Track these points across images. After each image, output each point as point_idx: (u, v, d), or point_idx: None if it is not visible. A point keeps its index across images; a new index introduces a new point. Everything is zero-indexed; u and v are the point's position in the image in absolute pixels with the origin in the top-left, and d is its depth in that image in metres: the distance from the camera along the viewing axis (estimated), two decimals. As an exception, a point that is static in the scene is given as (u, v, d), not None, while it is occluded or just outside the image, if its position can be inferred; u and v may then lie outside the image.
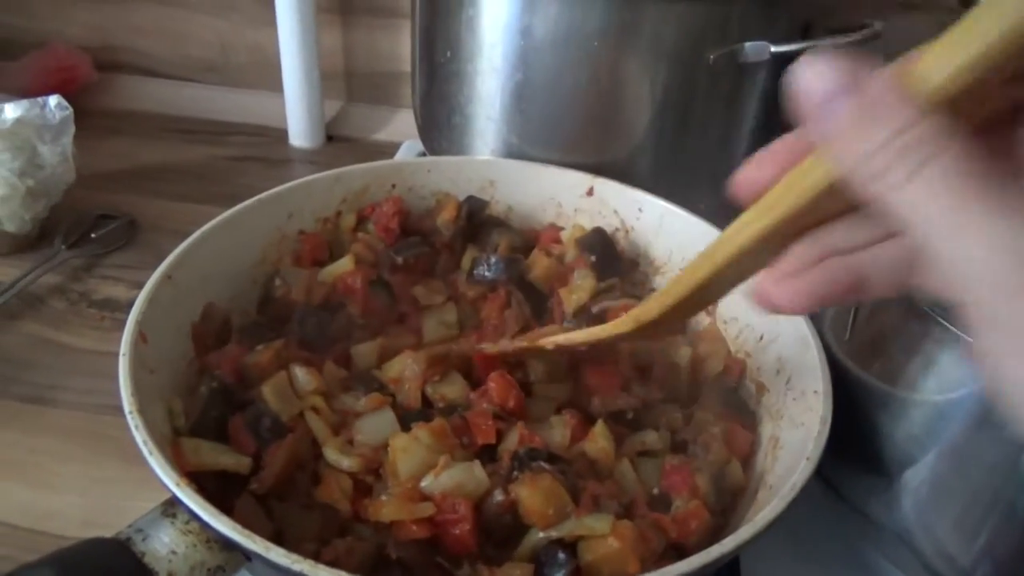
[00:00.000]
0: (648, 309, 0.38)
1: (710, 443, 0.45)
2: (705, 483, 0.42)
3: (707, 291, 0.33)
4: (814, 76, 0.24)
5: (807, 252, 0.28)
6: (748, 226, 0.28)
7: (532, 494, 0.38)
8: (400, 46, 0.95)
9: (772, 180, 0.28)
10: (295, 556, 0.31)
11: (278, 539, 0.36)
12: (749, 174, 0.29)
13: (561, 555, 0.37)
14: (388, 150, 0.93)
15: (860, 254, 0.27)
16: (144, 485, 0.47)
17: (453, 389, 0.46)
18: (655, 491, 0.43)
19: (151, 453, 0.35)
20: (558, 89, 0.63)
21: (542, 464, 0.39)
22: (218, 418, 0.42)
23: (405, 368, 0.47)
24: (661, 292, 0.37)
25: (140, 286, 0.46)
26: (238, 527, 0.32)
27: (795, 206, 0.27)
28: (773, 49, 0.60)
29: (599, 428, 0.44)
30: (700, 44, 0.60)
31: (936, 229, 0.22)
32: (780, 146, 0.29)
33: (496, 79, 0.64)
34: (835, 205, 0.26)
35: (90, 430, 0.57)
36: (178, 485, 0.34)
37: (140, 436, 0.36)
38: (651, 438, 0.46)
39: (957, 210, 0.22)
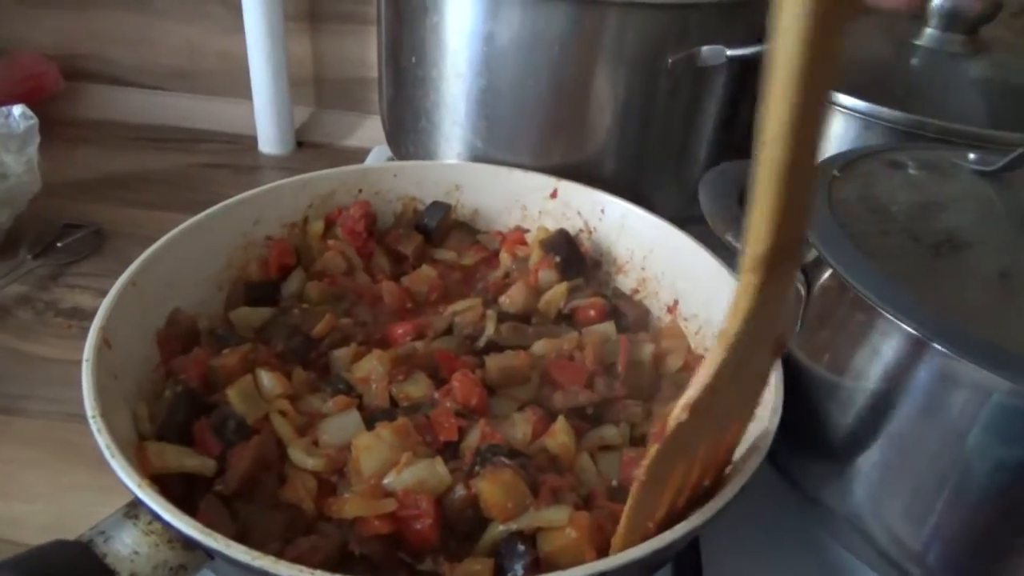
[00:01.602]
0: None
1: None
2: None
3: None
4: None
5: None
6: None
7: (492, 488, 0.39)
8: (369, 53, 0.96)
9: None
10: (255, 552, 0.32)
11: (243, 539, 0.36)
12: None
13: (520, 547, 0.38)
14: (358, 156, 0.94)
15: None
16: (111, 492, 0.47)
17: (417, 388, 0.47)
18: (614, 483, 0.44)
19: (113, 456, 0.35)
20: (521, 94, 0.64)
21: (502, 459, 0.40)
22: (183, 422, 0.43)
23: (371, 369, 0.47)
24: None
25: (107, 294, 0.46)
26: (199, 526, 0.32)
27: None
28: (729, 53, 0.61)
29: (560, 424, 0.45)
30: (659, 49, 0.61)
31: None
32: None
33: (461, 84, 0.66)
34: None
35: (57, 438, 0.57)
36: (139, 486, 0.34)
37: (102, 440, 0.36)
38: (611, 433, 0.47)
39: None
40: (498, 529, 0.39)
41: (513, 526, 0.39)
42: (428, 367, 0.49)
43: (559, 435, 0.45)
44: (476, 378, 0.47)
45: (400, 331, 0.53)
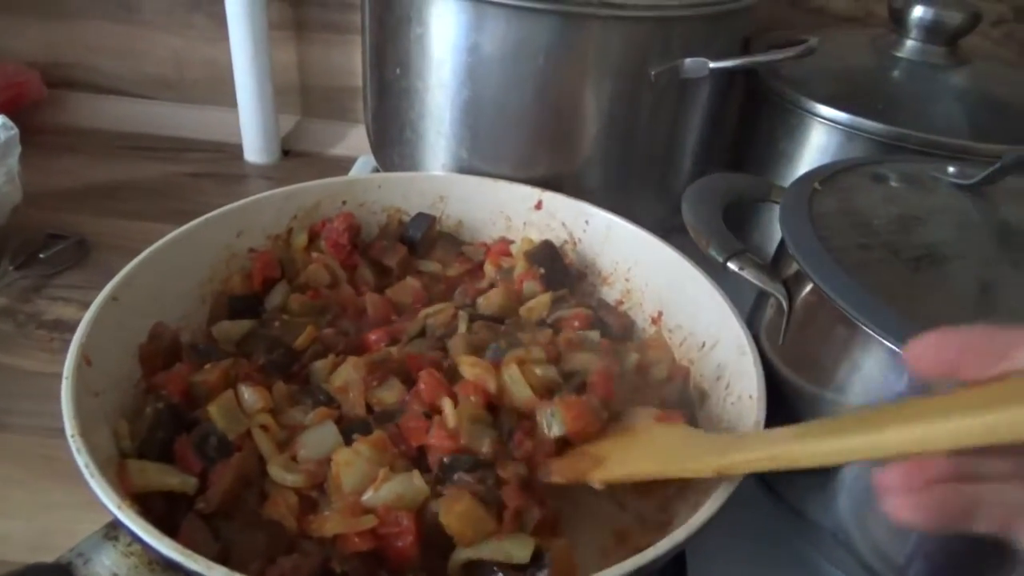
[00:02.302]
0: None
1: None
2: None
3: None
4: None
5: (936, 468, 0.28)
6: (924, 426, 0.27)
7: (449, 517, 0.38)
8: (354, 61, 0.96)
9: (952, 363, 0.28)
10: (236, 574, 0.32)
11: (225, 558, 0.37)
12: (931, 349, 0.29)
13: (496, 571, 0.38)
14: (344, 165, 0.94)
15: (982, 486, 0.27)
16: (93, 509, 0.46)
17: (391, 394, 0.47)
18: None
19: (92, 476, 0.35)
20: (506, 105, 0.64)
21: (463, 475, 0.40)
22: (164, 439, 0.42)
23: (347, 377, 0.47)
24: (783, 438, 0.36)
25: (87, 311, 0.46)
26: (179, 547, 0.32)
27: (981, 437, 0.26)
28: (712, 65, 0.62)
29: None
30: (642, 60, 0.62)
31: None
32: (971, 338, 0.28)
33: (445, 95, 0.66)
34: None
35: (38, 453, 0.56)
36: (119, 507, 0.34)
37: (82, 459, 0.36)
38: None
39: None
40: (461, 555, 0.39)
41: (472, 555, 0.38)
42: (402, 372, 0.49)
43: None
44: (440, 376, 0.47)
45: (374, 337, 0.53)
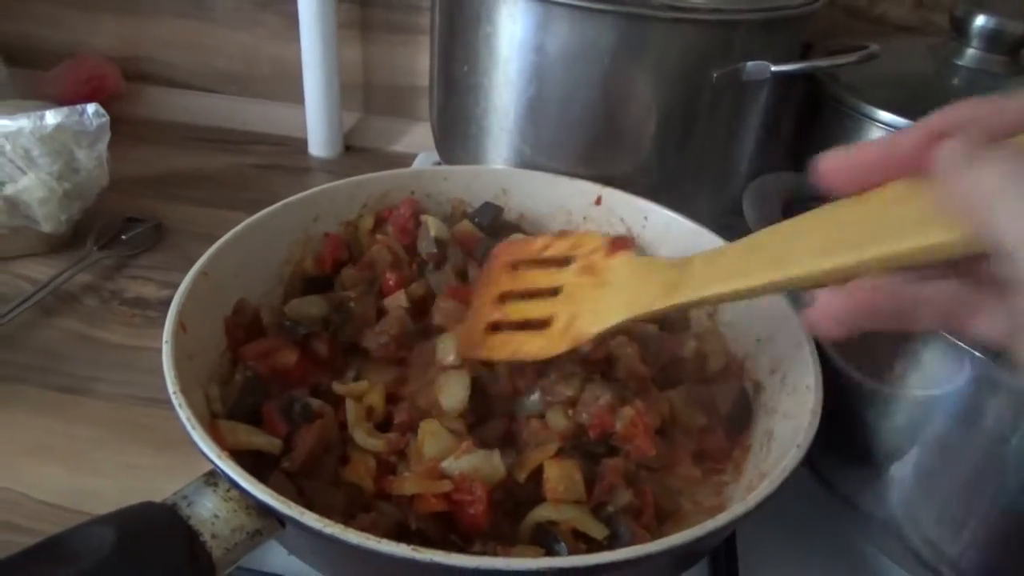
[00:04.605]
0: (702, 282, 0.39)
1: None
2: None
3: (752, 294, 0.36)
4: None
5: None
6: (833, 255, 0.28)
7: (557, 467, 0.42)
8: (417, 61, 0.99)
9: (864, 175, 0.27)
10: (326, 520, 0.34)
11: (307, 513, 0.39)
12: (841, 162, 0.28)
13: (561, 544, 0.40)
14: (404, 161, 0.97)
15: (914, 285, 0.26)
16: (172, 471, 0.50)
17: None
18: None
19: (194, 428, 0.38)
20: (569, 103, 0.66)
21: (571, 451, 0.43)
22: (252, 404, 0.46)
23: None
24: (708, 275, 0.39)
25: (168, 286, 0.49)
26: (275, 494, 0.35)
27: (894, 256, 0.26)
28: (773, 68, 0.63)
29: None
30: (704, 63, 0.63)
31: None
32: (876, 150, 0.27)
33: (511, 93, 0.68)
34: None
35: (123, 419, 0.60)
36: (219, 456, 0.37)
37: (184, 414, 0.39)
38: None
39: None
40: (541, 512, 0.41)
41: (554, 515, 0.41)
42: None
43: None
44: None
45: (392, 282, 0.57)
